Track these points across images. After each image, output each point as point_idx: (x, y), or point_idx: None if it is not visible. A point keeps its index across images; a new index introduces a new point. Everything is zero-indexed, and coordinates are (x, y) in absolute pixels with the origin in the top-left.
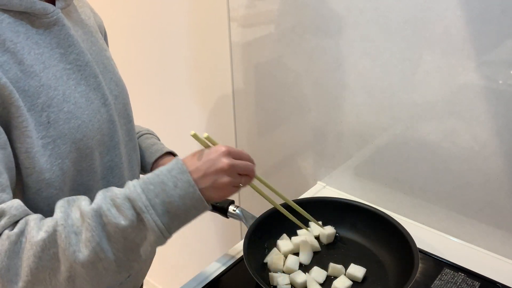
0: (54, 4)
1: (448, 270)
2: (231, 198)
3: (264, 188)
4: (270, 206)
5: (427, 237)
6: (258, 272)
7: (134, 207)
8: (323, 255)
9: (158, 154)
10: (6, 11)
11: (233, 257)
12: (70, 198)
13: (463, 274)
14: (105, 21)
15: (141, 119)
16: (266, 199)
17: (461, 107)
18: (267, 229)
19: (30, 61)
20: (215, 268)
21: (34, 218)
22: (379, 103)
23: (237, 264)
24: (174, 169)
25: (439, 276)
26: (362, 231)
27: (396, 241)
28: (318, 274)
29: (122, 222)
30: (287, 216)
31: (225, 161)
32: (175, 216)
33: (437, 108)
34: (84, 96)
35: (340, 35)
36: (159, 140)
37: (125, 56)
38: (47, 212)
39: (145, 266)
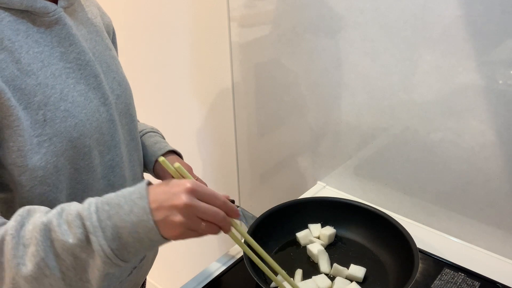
0: (56, 3)
1: (448, 270)
2: (231, 198)
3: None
4: (270, 206)
5: (427, 237)
6: (258, 272)
7: (84, 226)
8: None
9: (160, 153)
10: (7, 9)
11: (233, 257)
12: (32, 207)
13: (463, 274)
14: None
15: (140, 120)
16: (244, 250)
17: (461, 107)
18: (267, 229)
19: (27, 60)
20: (215, 268)
21: None
22: (379, 103)
23: (237, 264)
24: (135, 193)
25: (439, 276)
26: (362, 231)
27: (396, 241)
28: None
29: (70, 240)
30: (260, 267)
31: (182, 198)
32: (127, 243)
33: (437, 108)
34: (83, 95)
35: (340, 35)
36: (164, 138)
37: (125, 55)
38: None
39: (146, 265)
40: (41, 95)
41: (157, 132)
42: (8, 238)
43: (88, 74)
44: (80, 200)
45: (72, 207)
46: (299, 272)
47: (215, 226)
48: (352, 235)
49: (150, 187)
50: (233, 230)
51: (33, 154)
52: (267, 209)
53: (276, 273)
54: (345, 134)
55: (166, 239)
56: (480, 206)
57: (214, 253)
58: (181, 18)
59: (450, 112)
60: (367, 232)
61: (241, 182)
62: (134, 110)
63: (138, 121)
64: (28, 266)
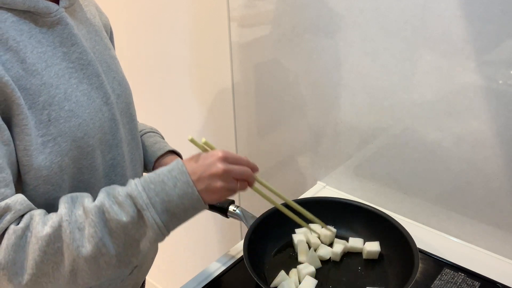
0: (57, 3)
1: (448, 270)
2: (231, 198)
3: (265, 190)
4: (270, 206)
5: (427, 237)
6: (258, 272)
7: (135, 204)
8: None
9: (160, 153)
10: (9, 10)
11: (233, 257)
12: (74, 194)
13: (463, 274)
14: None
15: (140, 120)
16: (267, 200)
17: (461, 107)
18: (267, 229)
19: (32, 60)
20: (215, 268)
21: (38, 213)
22: (379, 103)
23: (237, 264)
24: (174, 170)
25: (439, 276)
26: (362, 231)
27: (396, 241)
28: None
29: (124, 218)
30: (288, 215)
31: (220, 166)
32: (174, 215)
33: (437, 108)
34: (85, 94)
35: (340, 35)
36: (163, 138)
37: (125, 56)
38: (44, 207)
39: (147, 264)
40: (45, 95)
41: (156, 132)
42: (65, 224)
43: (91, 73)
44: None
45: (118, 189)
46: (295, 272)
47: (245, 182)
48: (352, 235)
49: (184, 162)
50: (255, 184)
51: (38, 154)
52: (267, 209)
53: (307, 220)
54: (345, 134)
55: (204, 206)
56: (480, 206)
57: (214, 253)
58: (181, 18)
59: (450, 112)
60: (367, 232)
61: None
62: (134, 110)
63: (138, 121)
64: (87, 247)
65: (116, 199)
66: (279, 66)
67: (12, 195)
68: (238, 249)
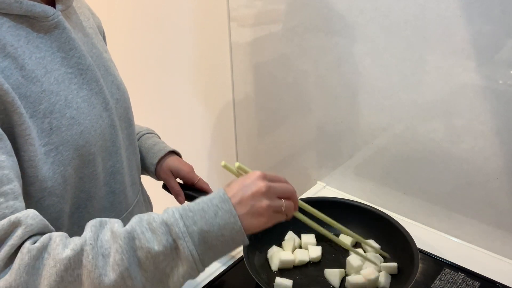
0: (54, 6)
1: (448, 270)
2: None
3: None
4: None
5: (427, 237)
6: (258, 272)
7: (170, 232)
8: (323, 255)
9: (161, 154)
10: (6, 14)
11: (233, 257)
12: (103, 219)
13: (463, 274)
14: (105, 21)
15: (141, 120)
16: (314, 228)
17: (461, 107)
18: (267, 229)
19: (31, 66)
20: (215, 268)
21: (59, 234)
22: (379, 103)
23: (237, 264)
24: (215, 198)
25: (439, 276)
26: (362, 231)
27: (396, 241)
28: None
29: (155, 247)
30: (336, 241)
31: (261, 184)
32: (211, 247)
33: (437, 108)
34: (86, 100)
35: (340, 35)
36: (160, 138)
37: (125, 56)
38: (49, 221)
39: None
40: (46, 103)
41: (153, 133)
42: (88, 249)
43: (90, 79)
44: (83, 209)
45: (152, 215)
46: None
47: (292, 202)
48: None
49: (224, 189)
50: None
51: (42, 164)
52: None
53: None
54: (345, 134)
55: (245, 241)
56: (480, 206)
57: None
58: (181, 18)
59: (450, 112)
60: (367, 232)
61: None
62: (132, 114)
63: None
64: (111, 276)
65: (150, 225)
66: (279, 66)
67: (23, 209)
68: (238, 249)
